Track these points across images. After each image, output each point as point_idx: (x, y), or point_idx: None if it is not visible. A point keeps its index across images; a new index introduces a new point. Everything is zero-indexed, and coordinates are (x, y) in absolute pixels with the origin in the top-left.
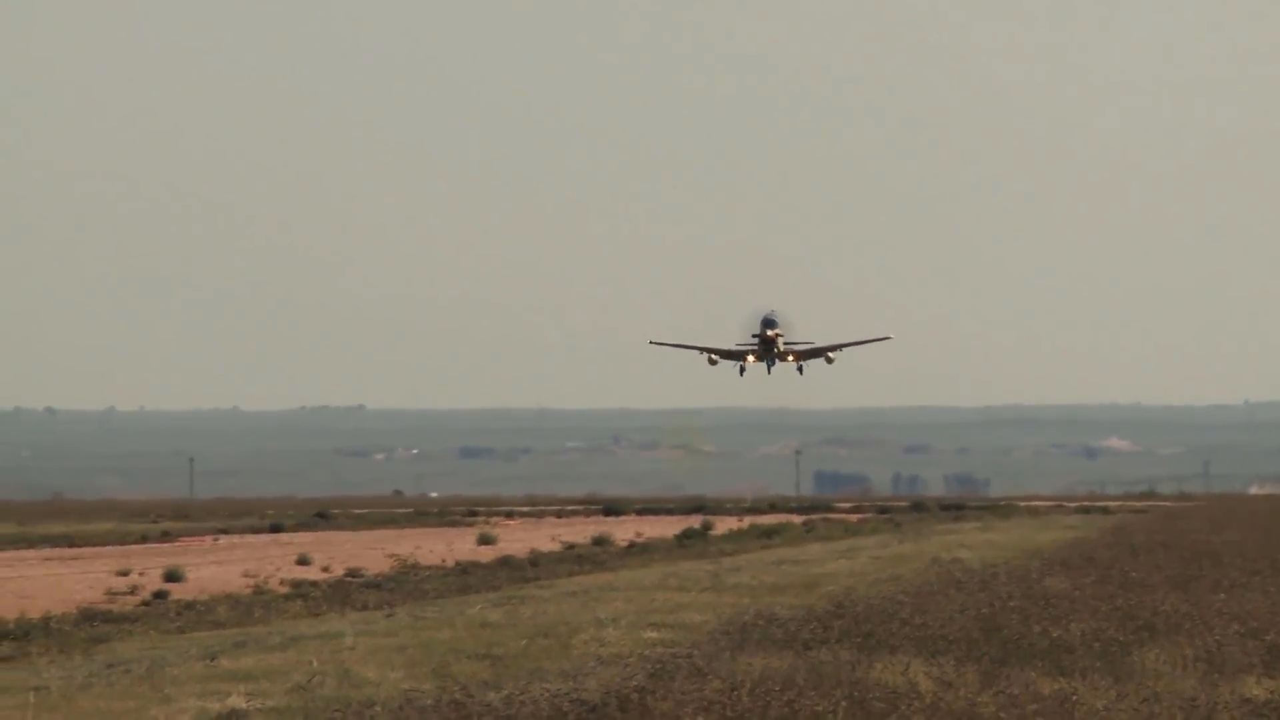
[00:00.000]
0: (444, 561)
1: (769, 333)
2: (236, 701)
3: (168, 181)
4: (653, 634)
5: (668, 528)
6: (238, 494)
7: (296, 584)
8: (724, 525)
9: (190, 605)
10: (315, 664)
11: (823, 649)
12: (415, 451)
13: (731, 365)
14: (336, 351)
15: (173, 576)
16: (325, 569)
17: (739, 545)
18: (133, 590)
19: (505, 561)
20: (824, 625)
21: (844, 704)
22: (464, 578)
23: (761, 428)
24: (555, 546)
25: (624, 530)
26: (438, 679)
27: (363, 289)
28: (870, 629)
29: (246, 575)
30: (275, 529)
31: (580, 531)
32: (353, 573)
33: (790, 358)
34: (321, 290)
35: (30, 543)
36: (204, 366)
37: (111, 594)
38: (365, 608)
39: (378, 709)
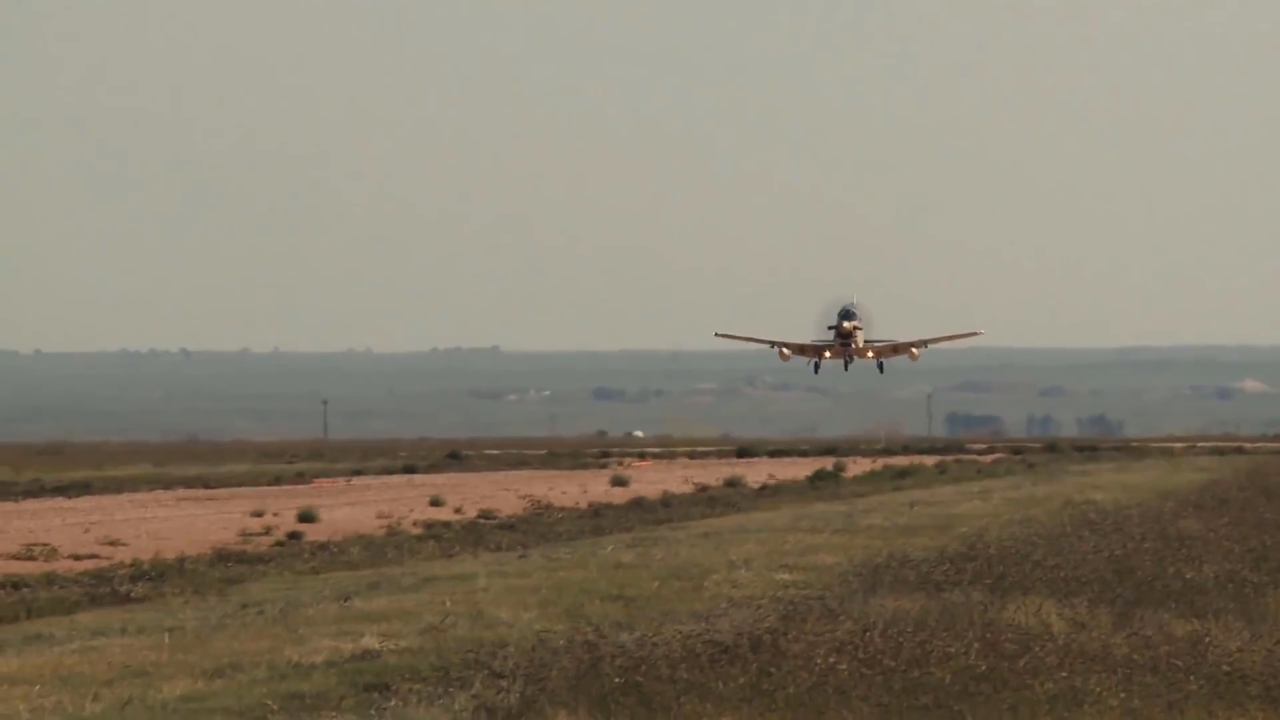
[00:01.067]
0: (577, 503)
1: (846, 325)
2: (370, 642)
3: (296, 125)
4: (785, 575)
5: (800, 470)
6: (371, 435)
7: (429, 525)
8: (856, 467)
9: (324, 546)
10: (448, 605)
11: (955, 590)
12: (548, 393)
13: (805, 362)
14: (471, 293)
15: (307, 517)
16: (458, 510)
17: (871, 487)
18: (267, 531)
19: (638, 503)
20: (957, 567)
21: (976, 645)
22: (596, 519)
23: (894, 370)
24: (687, 488)
25: (756, 472)
26: (570, 620)
27: (498, 232)
28: (1003, 570)
29: (380, 516)
30: (409, 470)
31: (712, 473)
32: (486, 514)
33: (870, 354)
34: (456, 232)
35: (165, 484)
36: (338, 308)
37: (246, 535)
38: (498, 549)
39: (510, 650)
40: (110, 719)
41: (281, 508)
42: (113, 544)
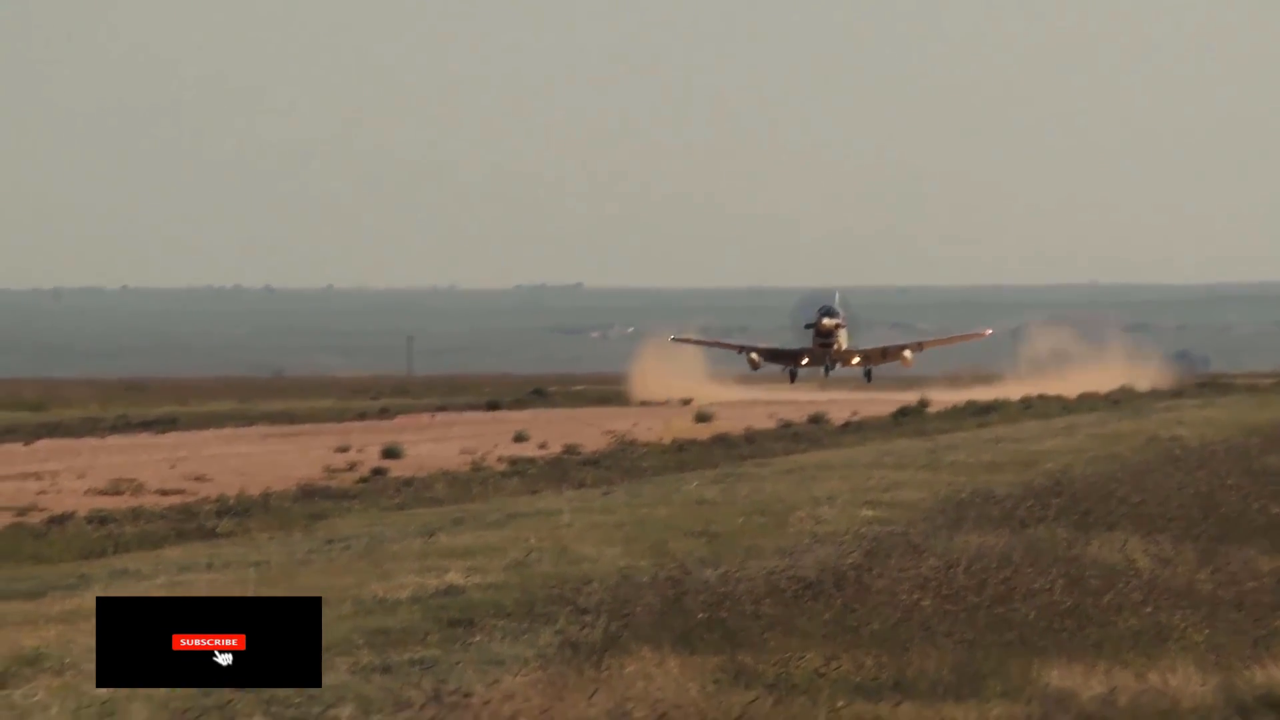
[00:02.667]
0: (661, 439)
1: (826, 323)
2: (454, 578)
3: (385, 63)
4: (869, 512)
5: (884, 405)
6: (456, 371)
7: (514, 461)
8: (940, 403)
9: (409, 482)
10: (533, 541)
11: (1039, 526)
12: (630, 330)
13: (780, 370)
14: (555, 230)
15: (391, 453)
16: (542, 446)
17: (955, 423)
18: (352, 467)
19: (721, 439)
20: (1041, 503)
21: (1060, 581)
22: (680, 455)
23: (978, 305)
24: (771, 424)
25: (840, 408)
26: (654, 556)
27: (582, 170)
28: (1088, 506)
29: (464, 452)
30: (493, 406)
31: (796, 409)
32: (570, 450)
33: (855, 359)
34: (540, 170)
35: (250, 420)
36: (423, 245)
37: (331, 471)
38: (582, 485)
39: (594, 585)
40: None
41: (366, 443)
42: (198, 479)
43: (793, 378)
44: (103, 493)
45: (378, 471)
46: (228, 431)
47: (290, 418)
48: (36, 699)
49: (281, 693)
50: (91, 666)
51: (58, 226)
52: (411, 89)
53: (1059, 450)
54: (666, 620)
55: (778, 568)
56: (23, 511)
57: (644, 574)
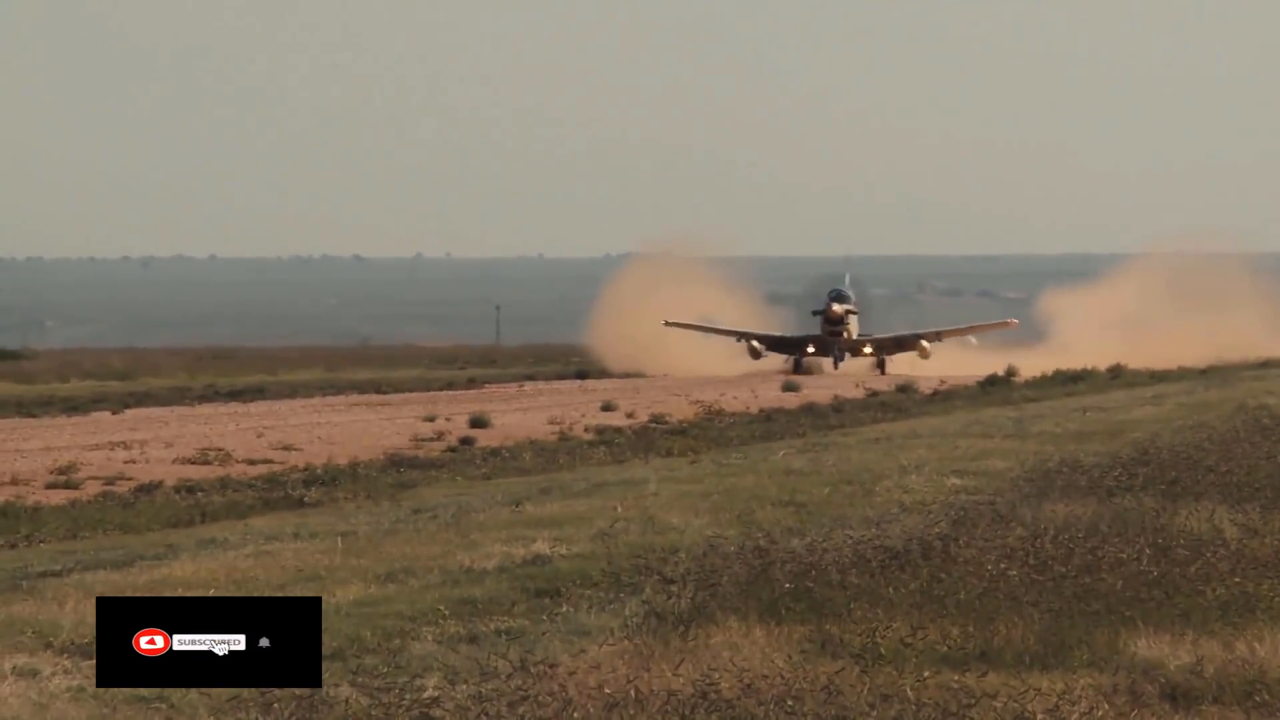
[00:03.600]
0: (748, 408)
1: (836, 309)
2: (541, 547)
3: (463, 37)
4: (956, 481)
5: (971, 374)
6: (543, 341)
7: (601, 430)
8: (1027, 372)
9: (495, 452)
10: (619, 510)
11: (1127, 496)
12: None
13: (784, 360)
14: (641, 199)
15: (478, 423)
16: (630, 415)
17: (1042, 392)
18: (439, 436)
19: (809, 408)
20: (1128, 472)
21: (1148, 551)
22: (767, 424)
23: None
24: (859, 393)
25: (927, 377)
26: (741, 525)
27: (669, 137)
28: (1175, 476)
29: (551, 422)
30: (580, 376)
31: (883, 379)
32: (657, 419)
33: (866, 348)
34: (628, 138)
35: (337, 389)
36: (510, 214)
37: (418, 440)
38: (669, 454)
39: (681, 555)
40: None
41: (453, 413)
42: (286, 448)
43: (797, 367)
44: (190, 462)
45: (465, 441)
46: (315, 401)
47: (378, 387)
48: None
49: (368, 661)
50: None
51: (147, 196)
52: (496, 57)
53: (1146, 419)
54: (753, 590)
55: (864, 537)
56: (111, 480)
57: (730, 544)
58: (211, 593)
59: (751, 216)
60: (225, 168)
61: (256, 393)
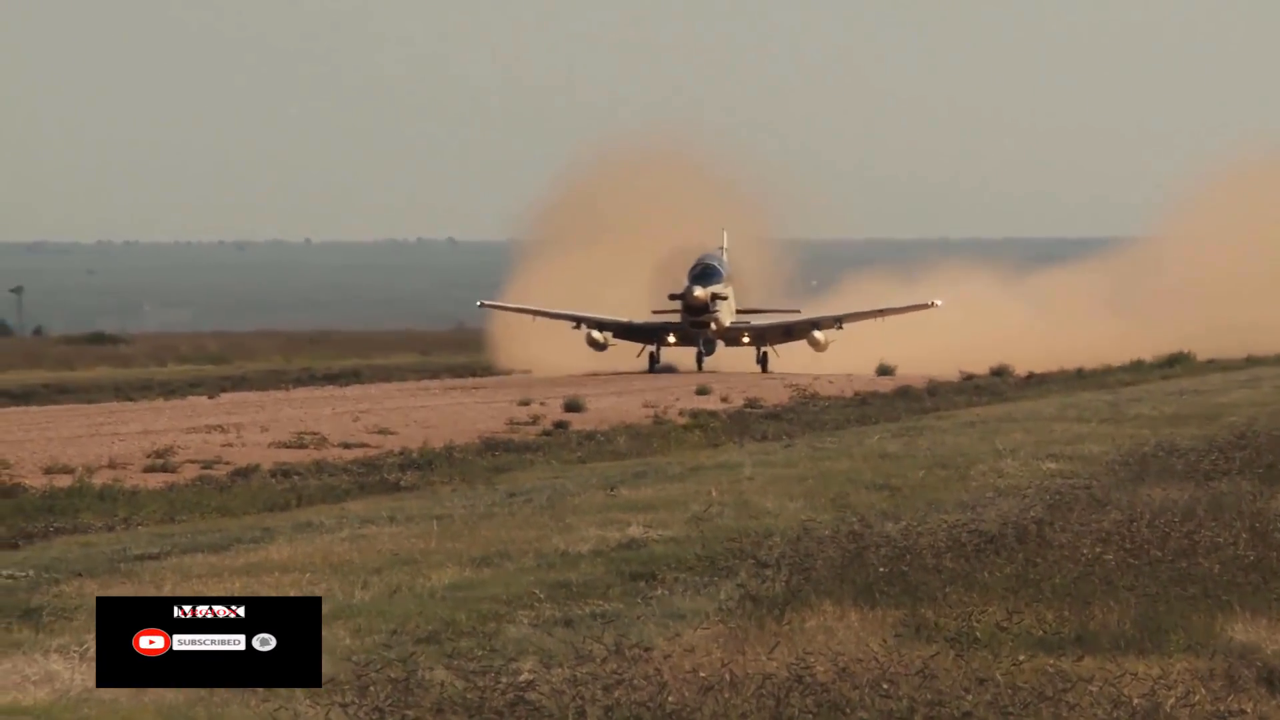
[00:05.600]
0: (842, 392)
1: (699, 293)
2: (635, 531)
3: (563, 28)
4: (1051, 465)
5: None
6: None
7: (695, 414)
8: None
9: (590, 435)
10: (714, 494)
11: (1223, 480)
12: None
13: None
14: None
15: (573, 407)
16: (724, 399)
17: (1138, 376)
18: (534, 420)
19: (903, 392)
20: (1225, 456)
21: (1244, 535)
22: (862, 408)
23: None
24: (953, 377)
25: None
26: (835, 509)
27: (794, 123)
28: (1272, 460)
29: (646, 406)
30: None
31: (979, 362)
32: (752, 403)
33: (745, 338)
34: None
35: (433, 372)
36: None
37: (513, 424)
38: (764, 438)
39: (776, 539)
40: (379, 606)
41: (548, 397)
42: (381, 432)
43: (653, 363)
44: (286, 446)
45: (559, 425)
46: (410, 384)
47: (473, 371)
48: None
49: (463, 644)
50: None
51: (242, 180)
52: (577, 50)
53: (1243, 403)
54: (847, 574)
55: (959, 521)
56: (208, 464)
57: (825, 527)
58: (308, 577)
59: (853, 198)
60: (321, 152)
61: (352, 376)
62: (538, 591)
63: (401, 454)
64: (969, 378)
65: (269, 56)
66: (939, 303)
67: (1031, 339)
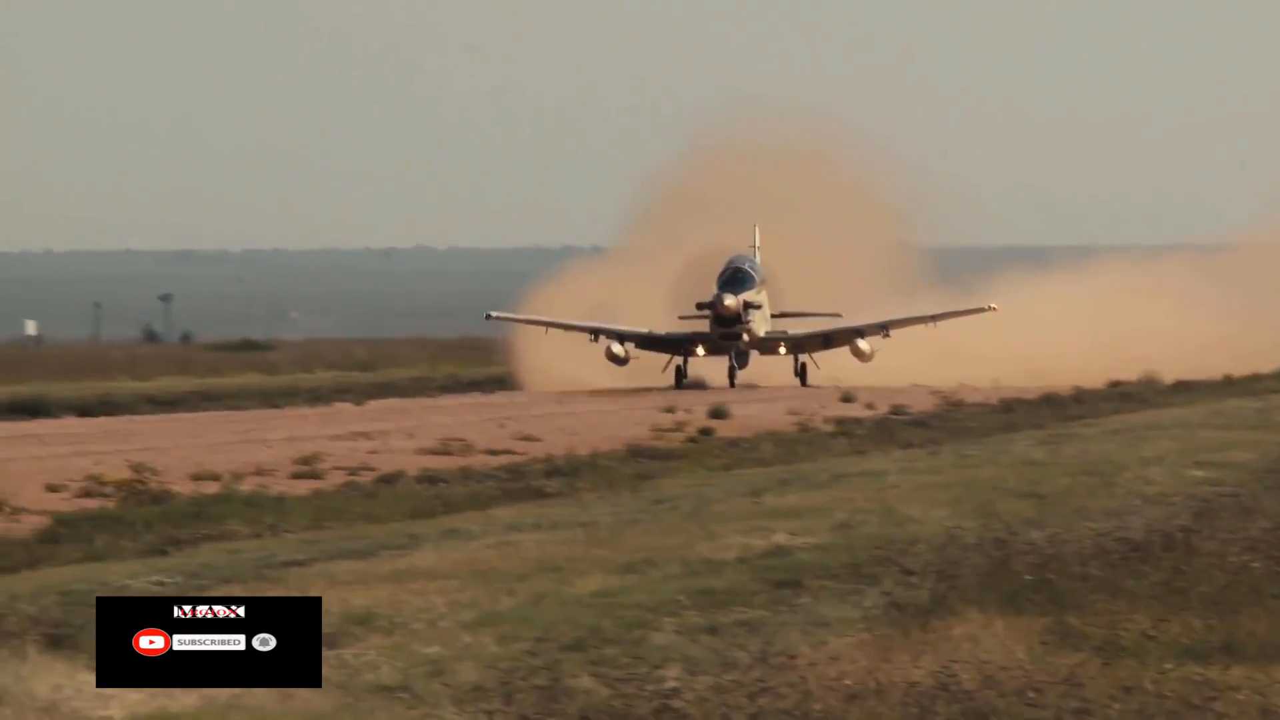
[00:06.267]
0: (988, 399)
1: (729, 302)
2: (780, 538)
3: (660, 33)
4: (1198, 472)
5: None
6: None
7: (840, 421)
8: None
9: (735, 443)
10: (859, 501)
11: None
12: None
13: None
14: None
15: (718, 414)
16: (869, 406)
17: None
18: (679, 427)
19: (1049, 399)
20: None
21: None
22: (1008, 415)
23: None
24: (1100, 384)
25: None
26: (981, 517)
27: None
28: None
29: (791, 413)
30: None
31: (1127, 368)
32: (897, 410)
33: (781, 348)
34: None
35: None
36: None
37: (658, 431)
38: (909, 445)
39: (921, 546)
40: (525, 613)
41: (693, 404)
42: (527, 439)
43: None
44: (432, 452)
45: (704, 432)
46: (555, 391)
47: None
48: (367, 658)
49: (608, 652)
50: (422, 626)
51: (388, 187)
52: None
53: None
54: (992, 581)
55: (1105, 529)
56: (354, 471)
57: (970, 535)
58: (453, 584)
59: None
60: (465, 159)
61: (497, 383)
62: (683, 598)
63: (547, 460)
64: (1115, 384)
65: (412, 67)
66: (995, 306)
67: (1152, 343)
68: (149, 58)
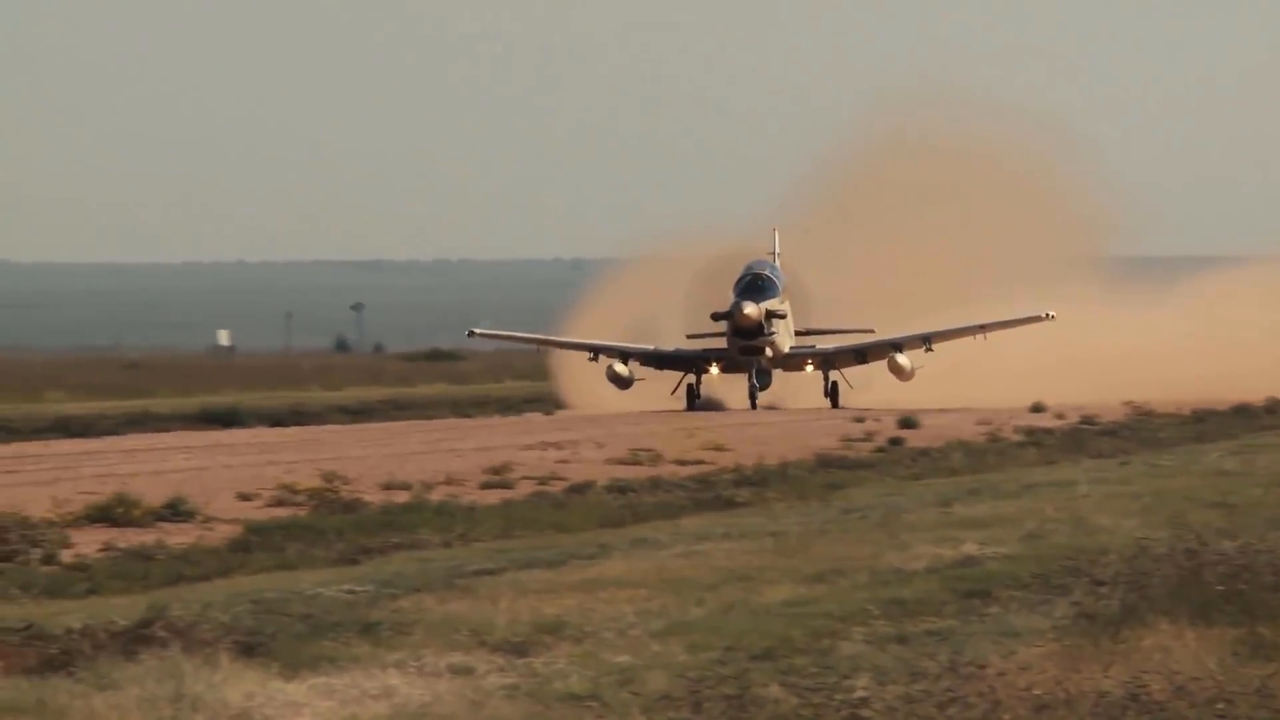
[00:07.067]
0: (1179, 409)
1: (750, 311)
2: (970, 548)
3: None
4: None
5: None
6: None
7: (1030, 432)
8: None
9: (924, 452)
10: (1049, 511)
11: None
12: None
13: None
14: None
15: (908, 424)
16: (1059, 416)
17: None
18: (868, 437)
19: (1241, 410)
20: None
21: None
22: (1199, 425)
23: None
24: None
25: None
26: (1172, 528)
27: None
28: None
29: (980, 423)
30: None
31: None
32: (1087, 420)
33: (808, 364)
34: None
35: None
36: None
37: (847, 441)
38: (1099, 455)
39: (1111, 557)
40: (714, 622)
41: (882, 414)
42: (716, 449)
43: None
44: (621, 462)
45: (894, 442)
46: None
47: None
48: (556, 667)
49: (797, 661)
50: (611, 635)
51: (578, 197)
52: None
53: None
54: (1183, 592)
55: None
56: (544, 480)
57: (1161, 545)
58: (643, 593)
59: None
60: (655, 167)
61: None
62: (872, 608)
63: (736, 470)
64: None
65: (598, 73)
66: (1053, 315)
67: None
68: (340, 70)
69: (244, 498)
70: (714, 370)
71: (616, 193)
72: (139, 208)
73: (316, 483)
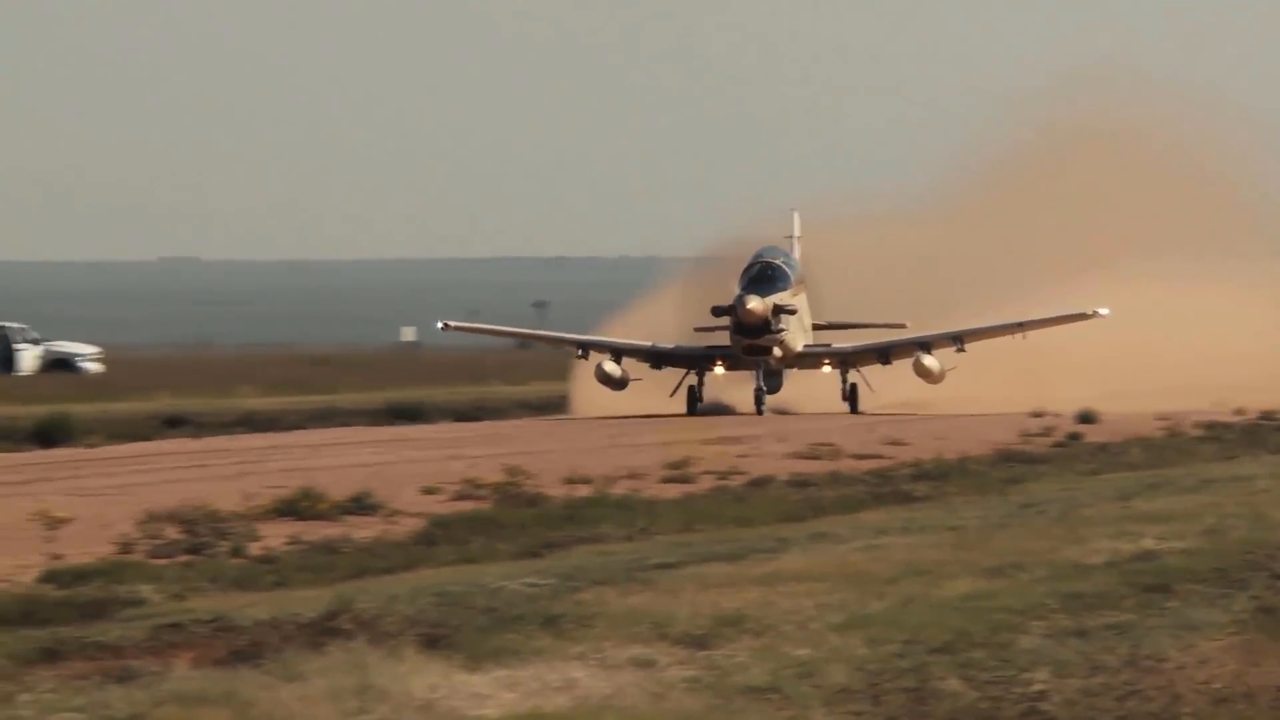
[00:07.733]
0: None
1: (755, 306)
2: (1148, 543)
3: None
4: None
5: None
6: None
7: (1210, 427)
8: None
9: (1103, 447)
10: (1228, 506)
11: None
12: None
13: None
14: None
15: (1086, 418)
16: (1239, 412)
17: None
18: (1046, 432)
19: None
20: None
21: None
22: None
23: None
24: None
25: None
26: None
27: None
28: None
29: (1160, 418)
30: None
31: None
32: (1268, 416)
33: (826, 363)
34: None
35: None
36: None
37: (1026, 435)
38: (1278, 451)
39: None
40: (893, 616)
41: (1061, 409)
42: (895, 444)
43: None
44: (801, 456)
45: (1072, 436)
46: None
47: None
48: (737, 660)
49: (976, 655)
50: (791, 628)
51: (755, 192)
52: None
53: None
54: None
55: None
56: (724, 475)
57: None
58: (822, 586)
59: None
60: (726, 171)
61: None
62: (1051, 602)
63: (915, 465)
64: None
65: (759, 69)
66: (1104, 311)
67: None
68: (520, 69)
69: (428, 491)
70: (719, 369)
71: (680, 192)
72: (321, 207)
73: (500, 477)
